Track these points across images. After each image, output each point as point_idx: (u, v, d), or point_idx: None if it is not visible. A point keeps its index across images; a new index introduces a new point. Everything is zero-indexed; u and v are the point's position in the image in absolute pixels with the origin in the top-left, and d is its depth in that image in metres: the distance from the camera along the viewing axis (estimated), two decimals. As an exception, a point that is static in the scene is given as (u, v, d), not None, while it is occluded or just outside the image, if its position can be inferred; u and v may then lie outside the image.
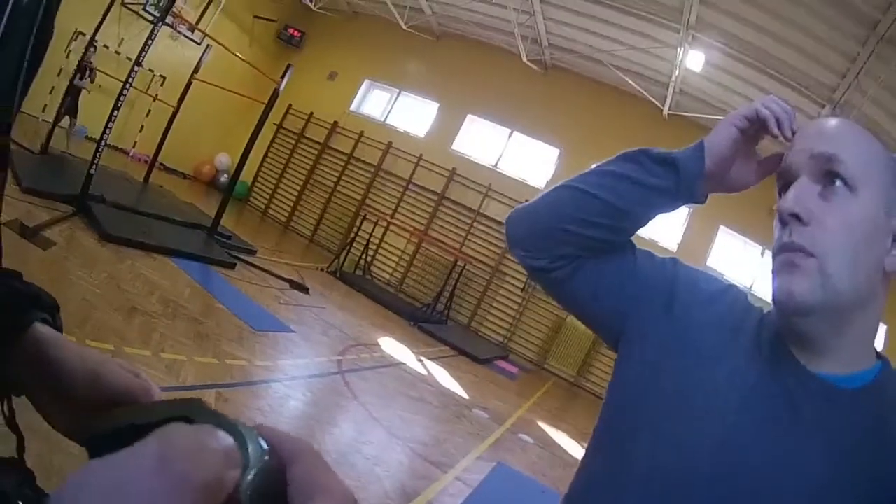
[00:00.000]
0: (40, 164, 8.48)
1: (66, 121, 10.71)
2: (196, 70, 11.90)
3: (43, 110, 11.77)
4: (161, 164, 12.93)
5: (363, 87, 16.35)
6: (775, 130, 0.85)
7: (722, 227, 12.54)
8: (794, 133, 0.84)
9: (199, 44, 13.65)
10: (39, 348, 0.51)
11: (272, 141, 16.57)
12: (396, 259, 14.75)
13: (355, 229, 13.18)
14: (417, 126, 15.47)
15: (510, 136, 14.61)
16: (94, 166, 7.25)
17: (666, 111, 12.66)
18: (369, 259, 13.58)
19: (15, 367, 0.51)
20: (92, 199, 7.20)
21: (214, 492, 0.24)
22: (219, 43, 10.10)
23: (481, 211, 14.23)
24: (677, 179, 0.90)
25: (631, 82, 12.66)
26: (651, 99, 12.80)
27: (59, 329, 0.56)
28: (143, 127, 14.18)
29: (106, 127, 7.69)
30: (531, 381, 11.32)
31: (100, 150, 7.42)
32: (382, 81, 16.22)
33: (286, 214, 16.14)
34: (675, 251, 12.17)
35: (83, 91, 10.81)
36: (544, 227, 0.97)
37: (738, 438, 0.78)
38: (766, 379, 0.81)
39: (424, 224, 14.54)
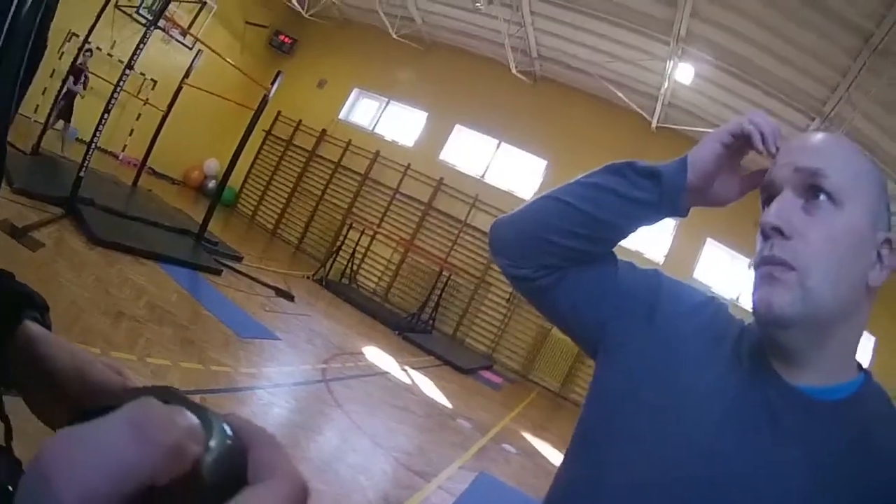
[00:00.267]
0: (31, 164, 8.42)
1: (59, 124, 10.63)
2: (187, 75, 11.90)
3: (35, 111, 11.65)
4: (150, 168, 12.86)
5: (352, 95, 16.35)
6: (760, 146, 0.84)
7: (709, 240, 12.56)
8: (778, 149, 0.84)
9: (190, 48, 13.60)
10: (30, 345, 0.53)
11: (260, 148, 16.50)
12: (382, 268, 14.71)
13: (342, 238, 13.13)
14: (405, 135, 15.47)
15: (498, 146, 14.64)
16: (83, 169, 7.22)
17: (654, 123, 12.68)
18: (355, 268, 13.54)
19: (6, 362, 0.52)
20: (81, 201, 7.16)
21: (178, 458, 0.25)
22: (210, 48, 10.10)
23: (468, 222, 14.23)
24: (660, 193, 0.90)
25: (620, 94, 12.67)
26: (639, 111, 12.81)
27: (49, 328, 0.57)
28: (133, 130, 14.08)
29: (96, 129, 7.66)
30: (515, 391, 11.30)
31: (90, 152, 7.39)
32: (371, 90, 16.22)
33: (273, 221, 16.06)
34: (661, 263, 12.24)
35: (77, 96, 10.74)
36: (528, 237, 0.98)
37: (719, 447, 0.78)
38: (746, 389, 0.81)
39: (411, 234, 14.50)
